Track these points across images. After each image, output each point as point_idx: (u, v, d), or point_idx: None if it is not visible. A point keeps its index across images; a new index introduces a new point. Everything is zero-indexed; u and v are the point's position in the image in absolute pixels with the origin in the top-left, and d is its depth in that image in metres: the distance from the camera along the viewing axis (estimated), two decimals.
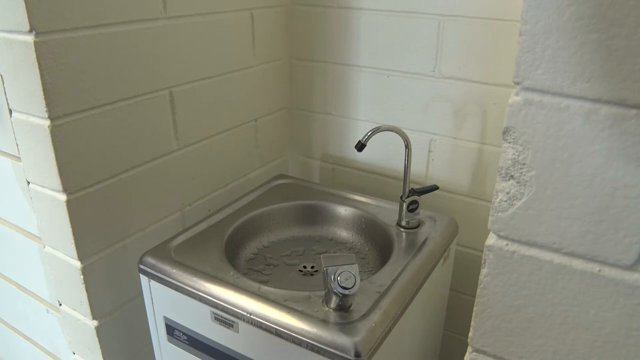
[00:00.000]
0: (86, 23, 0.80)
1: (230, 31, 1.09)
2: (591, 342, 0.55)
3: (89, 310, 0.93)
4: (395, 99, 1.16)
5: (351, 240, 1.06)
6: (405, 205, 0.99)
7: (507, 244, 0.57)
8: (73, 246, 0.87)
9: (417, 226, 1.00)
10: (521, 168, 0.54)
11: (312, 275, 0.96)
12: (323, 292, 0.79)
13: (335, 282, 0.74)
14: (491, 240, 0.58)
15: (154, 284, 0.89)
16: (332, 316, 0.76)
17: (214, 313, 0.82)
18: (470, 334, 0.65)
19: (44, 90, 0.77)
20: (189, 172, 1.07)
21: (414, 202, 0.99)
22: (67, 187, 0.83)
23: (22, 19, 0.73)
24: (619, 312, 0.52)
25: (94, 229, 0.89)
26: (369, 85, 1.18)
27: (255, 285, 0.82)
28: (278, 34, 1.24)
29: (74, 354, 1.04)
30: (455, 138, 1.11)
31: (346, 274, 0.73)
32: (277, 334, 0.75)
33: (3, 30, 0.76)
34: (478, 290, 0.62)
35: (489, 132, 1.07)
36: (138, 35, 0.89)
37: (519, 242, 0.57)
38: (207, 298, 0.82)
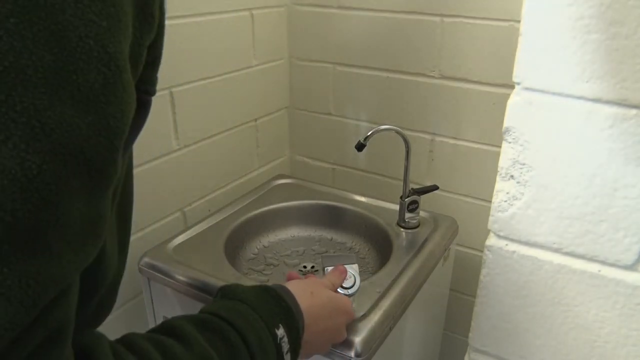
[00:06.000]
0: None
1: (230, 31, 1.09)
2: (591, 342, 0.55)
3: None
4: (395, 99, 1.16)
5: (351, 240, 1.06)
6: (405, 205, 0.99)
7: (507, 244, 0.57)
8: None
9: (417, 226, 1.00)
10: (521, 168, 0.54)
11: (312, 275, 0.96)
12: None
13: None
14: (491, 240, 0.58)
15: (153, 284, 0.89)
16: None
17: None
18: (470, 334, 0.65)
19: None
20: (189, 172, 1.07)
21: (414, 202, 0.99)
22: None
23: None
24: (619, 312, 0.52)
25: None
26: (369, 85, 1.18)
27: None
28: (278, 34, 1.24)
29: None
30: (455, 138, 1.11)
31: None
32: None
33: None
34: (478, 290, 0.62)
35: (489, 132, 1.07)
36: None
37: (519, 242, 0.57)
38: (207, 298, 0.81)
